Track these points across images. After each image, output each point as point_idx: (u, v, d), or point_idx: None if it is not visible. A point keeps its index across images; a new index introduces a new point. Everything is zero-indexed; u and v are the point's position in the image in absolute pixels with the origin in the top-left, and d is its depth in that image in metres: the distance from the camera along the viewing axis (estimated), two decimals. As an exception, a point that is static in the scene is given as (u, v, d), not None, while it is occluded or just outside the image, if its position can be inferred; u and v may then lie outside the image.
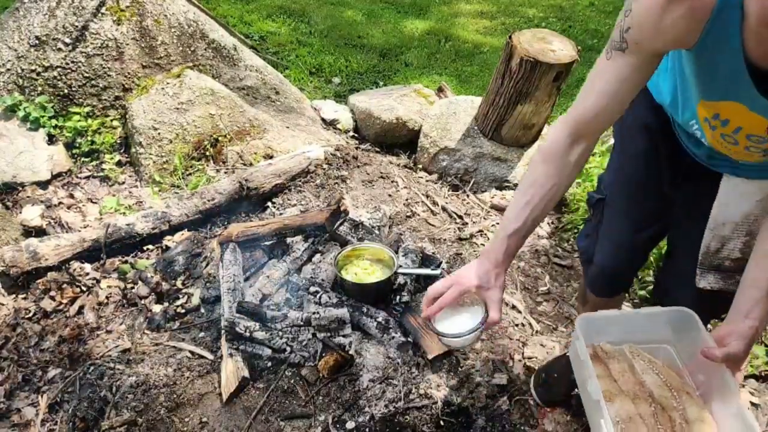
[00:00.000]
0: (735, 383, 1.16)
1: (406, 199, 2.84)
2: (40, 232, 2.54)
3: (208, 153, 3.01)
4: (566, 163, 1.19)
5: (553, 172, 1.20)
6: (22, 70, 2.93)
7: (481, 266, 1.25)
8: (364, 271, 2.19)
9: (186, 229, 2.60)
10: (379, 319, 2.03)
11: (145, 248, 2.53)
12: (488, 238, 2.67)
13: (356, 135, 3.58)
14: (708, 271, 1.37)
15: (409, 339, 2.02)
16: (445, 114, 3.21)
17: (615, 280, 1.76)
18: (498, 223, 1.35)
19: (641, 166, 1.48)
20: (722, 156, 1.22)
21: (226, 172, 2.96)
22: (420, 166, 3.25)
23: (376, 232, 2.49)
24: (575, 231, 2.79)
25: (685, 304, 1.50)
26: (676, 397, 1.22)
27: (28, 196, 2.74)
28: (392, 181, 2.97)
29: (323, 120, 3.60)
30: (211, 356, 2.03)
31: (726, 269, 1.34)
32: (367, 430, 1.79)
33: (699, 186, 1.33)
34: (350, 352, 1.96)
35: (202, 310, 2.24)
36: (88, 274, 2.37)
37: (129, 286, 2.34)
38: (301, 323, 2.00)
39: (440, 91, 3.72)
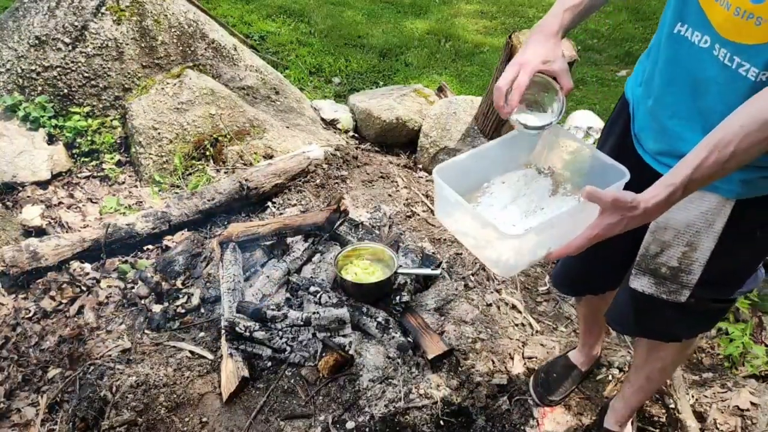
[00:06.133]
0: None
1: (406, 199, 2.84)
2: (40, 232, 2.54)
3: (208, 153, 3.02)
4: None
5: None
6: (22, 70, 2.93)
7: (538, 41, 1.19)
8: (364, 271, 2.19)
9: (186, 229, 2.59)
10: (379, 319, 2.03)
11: (145, 248, 2.53)
12: (488, 238, 2.67)
13: (356, 135, 3.58)
14: (643, 273, 1.35)
15: (409, 339, 2.02)
16: (445, 114, 3.21)
17: (577, 280, 1.71)
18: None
19: None
20: (671, 147, 1.19)
21: (226, 172, 2.96)
22: (420, 166, 3.25)
23: (376, 232, 2.49)
24: (575, 231, 2.79)
25: (621, 304, 1.49)
26: None
27: (28, 196, 2.74)
28: (392, 181, 2.97)
29: (323, 120, 3.60)
30: (211, 356, 2.03)
31: (661, 276, 1.32)
32: (367, 430, 1.79)
33: None
34: (350, 352, 1.96)
35: (202, 310, 2.24)
36: (88, 274, 2.37)
37: (129, 286, 2.34)
38: (301, 323, 2.01)
39: (440, 91, 3.72)
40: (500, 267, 1.15)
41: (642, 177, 1.19)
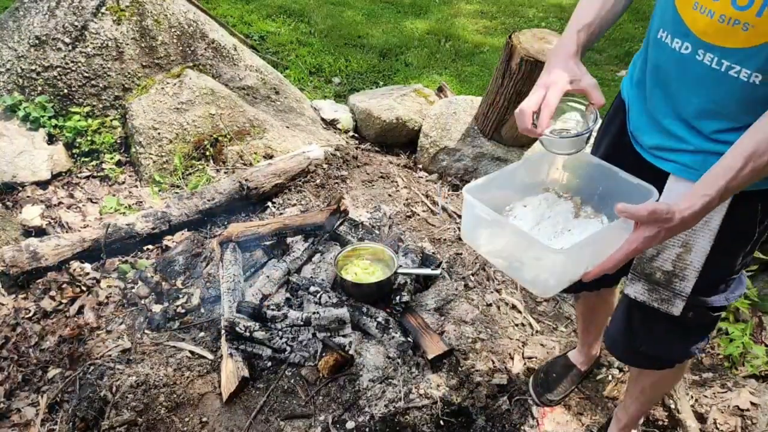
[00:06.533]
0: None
1: (406, 199, 2.84)
2: (40, 232, 2.54)
3: (208, 153, 3.01)
4: None
5: None
6: (22, 70, 2.93)
7: (558, 62, 1.16)
8: (364, 271, 2.20)
9: (186, 229, 2.60)
10: (379, 319, 2.03)
11: (145, 248, 2.52)
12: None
13: (356, 135, 3.58)
14: (638, 278, 1.34)
15: (409, 339, 2.02)
16: (445, 114, 3.21)
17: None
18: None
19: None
20: (671, 136, 1.18)
21: (226, 172, 2.96)
22: (420, 166, 3.25)
23: (376, 232, 2.49)
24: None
25: (617, 320, 1.49)
26: None
27: (28, 196, 2.74)
28: (392, 181, 2.97)
29: (323, 120, 3.60)
30: (211, 356, 2.03)
31: (655, 281, 1.30)
32: (367, 430, 1.79)
33: (660, 187, 1.24)
34: (350, 352, 1.96)
35: (202, 310, 2.24)
36: (88, 274, 2.37)
37: (129, 286, 2.34)
38: (301, 323, 2.01)
39: (440, 91, 3.72)
40: (538, 287, 1.12)
41: (641, 173, 1.20)
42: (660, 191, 1.20)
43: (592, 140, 1.29)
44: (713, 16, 1.01)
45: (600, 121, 1.14)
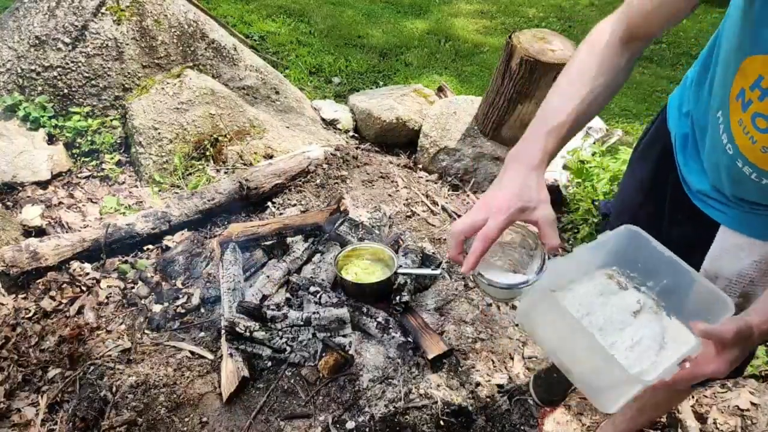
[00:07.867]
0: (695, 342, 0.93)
1: (406, 199, 2.84)
2: (40, 232, 2.54)
3: (208, 153, 3.01)
4: (617, 63, 0.99)
5: (605, 68, 0.98)
6: (22, 70, 2.93)
7: (516, 177, 0.93)
8: (364, 271, 2.20)
9: (186, 229, 2.59)
10: (379, 319, 2.03)
11: (145, 248, 2.52)
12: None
13: (356, 135, 3.58)
14: None
15: (409, 339, 2.02)
16: (445, 114, 3.21)
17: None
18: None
19: (639, 194, 1.33)
20: (722, 190, 1.08)
21: (226, 172, 2.96)
22: (420, 166, 3.25)
23: (376, 232, 2.49)
24: (575, 231, 2.79)
25: None
26: None
27: (28, 196, 2.74)
28: (392, 181, 2.97)
29: (323, 120, 3.60)
30: (211, 356, 2.03)
31: None
32: (367, 430, 1.79)
33: (697, 231, 1.15)
34: (350, 352, 1.96)
35: (202, 310, 2.24)
36: (88, 274, 2.37)
37: (129, 286, 2.34)
38: (301, 323, 2.01)
39: (440, 91, 3.72)
40: (601, 403, 1.00)
41: (683, 211, 1.12)
42: (703, 233, 1.11)
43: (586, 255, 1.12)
44: (755, 143, 0.91)
45: (545, 267, 0.95)
